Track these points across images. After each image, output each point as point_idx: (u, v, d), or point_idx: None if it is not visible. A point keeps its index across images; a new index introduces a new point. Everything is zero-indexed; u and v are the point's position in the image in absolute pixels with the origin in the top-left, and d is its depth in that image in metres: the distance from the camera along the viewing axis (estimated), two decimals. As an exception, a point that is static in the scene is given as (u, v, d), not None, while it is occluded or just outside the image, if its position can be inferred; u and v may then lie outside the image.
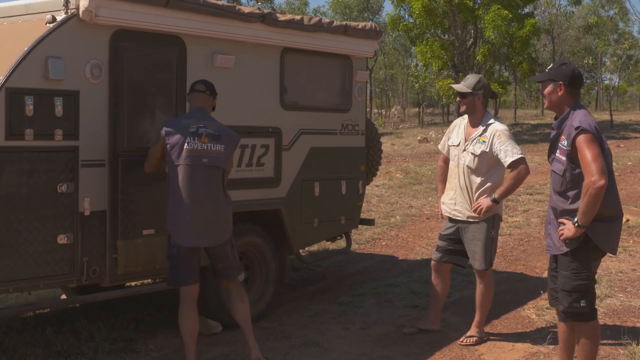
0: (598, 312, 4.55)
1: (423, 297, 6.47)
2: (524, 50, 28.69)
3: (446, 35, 30.25)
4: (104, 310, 6.03)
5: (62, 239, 4.61)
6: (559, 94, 4.20)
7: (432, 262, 5.64)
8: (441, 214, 5.62)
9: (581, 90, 4.40)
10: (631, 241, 8.77)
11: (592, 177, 3.93)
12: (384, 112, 54.92)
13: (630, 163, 17.27)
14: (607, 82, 55.90)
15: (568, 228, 4.08)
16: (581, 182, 4.02)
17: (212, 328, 5.53)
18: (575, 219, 4.03)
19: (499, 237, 5.88)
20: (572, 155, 4.08)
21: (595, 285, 4.46)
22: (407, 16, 31.20)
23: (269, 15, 5.74)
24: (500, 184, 5.29)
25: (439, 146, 5.76)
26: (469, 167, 5.32)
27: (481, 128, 5.32)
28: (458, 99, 5.44)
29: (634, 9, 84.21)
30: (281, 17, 5.86)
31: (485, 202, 5.23)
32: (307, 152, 6.17)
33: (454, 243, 5.49)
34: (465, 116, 5.50)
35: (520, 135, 28.00)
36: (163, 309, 6.07)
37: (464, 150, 5.35)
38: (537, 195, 12.43)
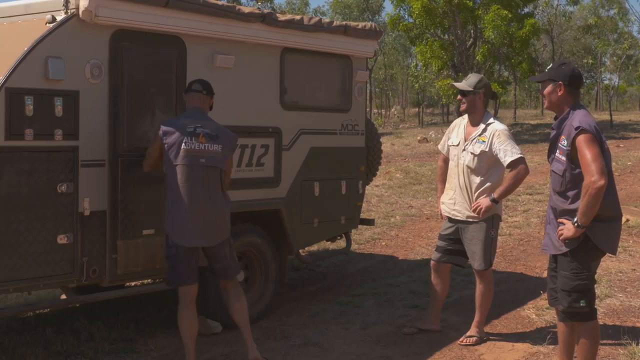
0: (598, 312, 4.55)
1: (423, 297, 6.47)
2: (523, 50, 28.70)
3: (446, 35, 30.26)
4: (104, 310, 6.03)
5: (62, 239, 4.61)
6: (559, 94, 4.20)
7: (432, 262, 5.64)
8: (441, 214, 5.62)
9: (581, 90, 4.40)
10: (631, 241, 8.77)
11: (592, 177, 3.93)
12: (383, 112, 54.96)
13: (630, 163, 17.28)
14: (606, 82, 55.95)
15: (568, 228, 4.08)
16: (581, 182, 4.03)
17: (212, 328, 5.53)
18: (575, 219, 4.03)
19: (499, 237, 5.89)
20: (572, 155, 4.08)
21: (595, 285, 4.46)
22: (406, 16, 31.22)
23: (269, 15, 5.74)
24: (500, 183, 5.29)
25: (439, 146, 5.76)
26: (468, 166, 5.32)
27: (481, 128, 5.32)
28: (459, 97, 5.44)
29: (633, 10, 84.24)
30: (281, 17, 5.86)
31: (484, 202, 5.23)
32: (307, 152, 6.17)
33: (453, 243, 5.49)
34: (465, 116, 5.50)
35: (520, 135, 28.00)
36: (163, 309, 6.07)
37: (464, 150, 5.36)
38: (537, 195, 12.43)
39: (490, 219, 5.34)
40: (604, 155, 4.04)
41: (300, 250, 6.60)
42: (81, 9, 4.61)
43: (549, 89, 4.24)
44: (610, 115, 33.83)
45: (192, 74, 5.17)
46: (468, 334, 5.42)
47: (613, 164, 4.17)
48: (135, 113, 4.98)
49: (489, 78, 27.62)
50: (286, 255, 6.26)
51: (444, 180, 5.60)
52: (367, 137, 6.77)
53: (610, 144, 21.85)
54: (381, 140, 7.21)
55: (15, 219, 4.41)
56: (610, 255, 4.44)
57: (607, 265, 7.46)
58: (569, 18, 50.94)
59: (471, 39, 30.31)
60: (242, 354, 4.99)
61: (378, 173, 8.35)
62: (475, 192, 5.31)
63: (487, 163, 5.27)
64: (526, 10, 30.66)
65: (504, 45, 28.43)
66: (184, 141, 4.57)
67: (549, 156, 4.34)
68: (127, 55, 4.90)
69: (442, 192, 5.60)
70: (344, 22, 6.47)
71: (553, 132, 4.28)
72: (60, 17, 4.64)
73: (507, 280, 7.21)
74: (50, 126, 4.53)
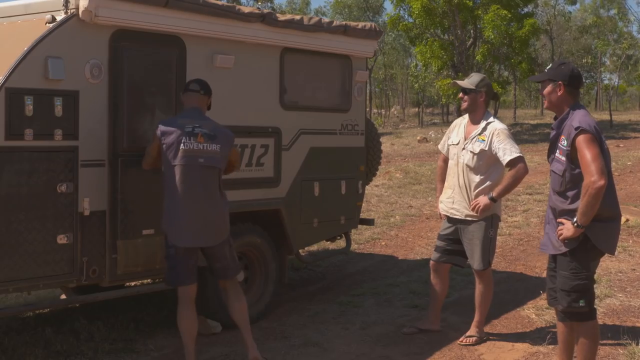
0: (598, 312, 4.55)
1: (423, 297, 6.47)
2: (523, 50, 28.72)
3: (446, 35, 30.27)
4: (103, 310, 6.03)
5: (61, 239, 4.61)
6: (559, 94, 4.20)
7: (431, 262, 5.65)
8: (440, 214, 5.63)
9: (581, 90, 4.40)
10: (631, 241, 8.77)
11: (592, 177, 3.93)
12: (383, 112, 54.98)
13: (629, 163, 17.28)
14: (606, 82, 55.96)
15: (567, 228, 4.08)
16: (580, 182, 4.03)
17: (211, 328, 5.53)
18: (575, 219, 4.04)
19: (499, 237, 5.90)
20: (572, 156, 4.08)
21: (595, 285, 4.46)
22: (406, 16, 31.23)
23: (269, 15, 5.74)
24: (499, 183, 5.29)
25: (439, 146, 5.76)
26: (467, 165, 5.32)
27: (481, 127, 5.33)
28: (461, 95, 5.45)
29: (632, 10, 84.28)
30: (281, 17, 5.86)
31: (483, 200, 5.23)
32: (307, 152, 6.17)
33: (452, 243, 5.49)
34: (466, 116, 5.51)
35: (519, 135, 28.01)
36: (163, 309, 6.07)
37: (463, 148, 5.36)
38: (537, 195, 12.43)
39: (490, 219, 5.34)
40: (604, 156, 4.04)
41: (300, 250, 6.60)
42: (81, 9, 4.61)
43: (548, 89, 4.24)
44: (610, 115, 33.84)
45: (192, 74, 5.16)
46: (468, 333, 5.43)
47: (613, 163, 4.18)
48: (135, 113, 4.98)
49: (489, 78, 27.60)
50: (286, 255, 6.26)
51: (443, 180, 5.60)
52: (367, 137, 6.77)
53: (610, 144, 21.85)
54: (381, 140, 7.21)
55: (15, 219, 4.41)
56: (608, 255, 4.44)
57: (607, 265, 7.46)
58: (568, 18, 50.95)
59: (471, 39, 30.34)
60: (242, 354, 4.99)
61: (378, 173, 8.35)
62: (474, 191, 5.31)
63: (486, 162, 5.28)
64: (526, 10, 30.66)
65: (504, 45, 28.44)
66: (182, 141, 4.57)
67: (548, 156, 4.34)
68: (127, 55, 4.90)
69: (442, 192, 5.60)
70: (343, 22, 6.47)
71: (553, 132, 4.28)
72: (60, 17, 4.64)
73: (507, 280, 7.21)
74: (50, 126, 4.53)
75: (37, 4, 4.91)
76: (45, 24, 4.62)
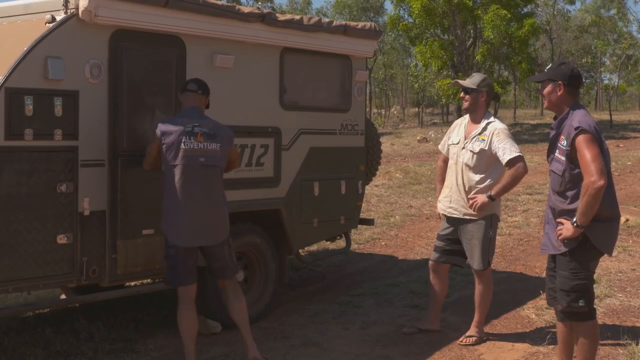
0: (597, 312, 4.55)
1: (422, 297, 6.47)
2: (523, 50, 28.73)
3: (445, 35, 30.28)
4: (103, 310, 6.03)
5: (61, 239, 4.61)
6: (558, 93, 4.20)
7: (430, 262, 5.65)
8: (438, 214, 5.63)
9: (580, 90, 4.40)
10: (631, 241, 8.77)
11: (592, 177, 3.93)
12: (383, 112, 54.99)
13: (629, 163, 17.28)
14: (606, 82, 55.96)
15: (567, 228, 4.08)
16: (580, 182, 4.03)
17: (211, 328, 5.53)
18: (574, 219, 4.04)
19: (498, 237, 5.90)
20: (572, 155, 4.08)
21: (595, 285, 4.47)
22: (406, 16, 31.25)
23: (269, 15, 5.74)
24: (498, 182, 5.29)
25: (439, 146, 5.77)
26: (467, 164, 5.33)
27: (481, 126, 5.33)
28: (462, 94, 5.46)
29: (631, 11, 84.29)
30: (281, 17, 5.86)
31: (481, 197, 5.23)
32: (307, 152, 6.17)
33: (451, 243, 5.50)
34: (466, 116, 5.52)
35: (519, 135, 28.01)
36: (163, 309, 6.07)
37: (463, 148, 5.36)
38: (537, 195, 12.43)
39: (489, 219, 5.34)
40: (604, 156, 4.04)
41: (300, 250, 6.60)
42: (81, 8, 4.61)
43: (548, 88, 4.24)
44: (610, 115, 33.85)
45: (192, 74, 5.16)
46: (468, 333, 5.43)
47: (613, 163, 4.18)
48: (135, 113, 4.98)
49: (489, 78, 27.63)
50: (286, 255, 6.26)
51: (443, 181, 5.60)
52: (366, 137, 6.77)
53: (610, 144, 21.85)
54: (381, 140, 7.21)
55: (15, 219, 4.41)
56: (606, 255, 4.44)
57: (606, 265, 7.46)
58: (568, 18, 50.95)
59: (471, 39, 30.34)
60: (242, 353, 4.99)
61: (378, 173, 8.35)
62: (473, 191, 5.31)
63: (486, 161, 5.28)
64: (527, 9, 30.68)
65: (504, 45, 28.46)
66: (182, 141, 4.57)
67: (548, 156, 4.34)
68: (127, 55, 4.90)
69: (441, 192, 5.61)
70: (343, 22, 6.47)
71: (552, 132, 4.28)
72: (59, 17, 4.64)
73: (507, 280, 7.21)
74: (50, 126, 4.53)
75: (37, 4, 4.91)
76: (45, 24, 4.62)
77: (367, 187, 7.24)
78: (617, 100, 58.08)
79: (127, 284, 5.82)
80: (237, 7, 5.64)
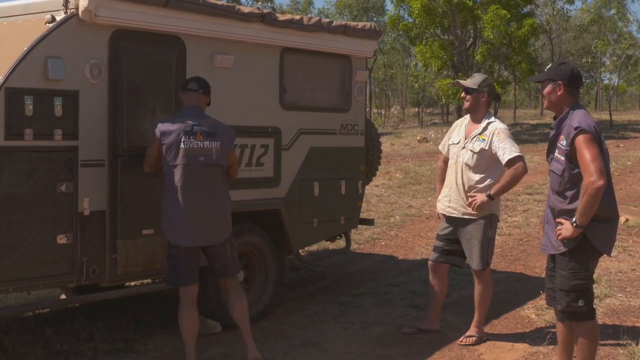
0: (597, 312, 4.55)
1: (422, 297, 6.47)
2: (523, 50, 28.74)
3: (446, 35, 30.29)
4: (103, 310, 6.03)
5: (61, 239, 4.61)
6: (558, 93, 4.20)
7: (429, 263, 5.65)
8: (438, 213, 5.63)
9: (580, 90, 4.40)
10: (630, 241, 8.77)
11: (591, 177, 3.93)
12: (383, 112, 54.99)
13: (629, 163, 17.28)
14: (606, 82, 55.96)
15: (566, 228, 4.08)
16: (580, 182, 4.03)
17: (211, 328, 5.53)
18: (574, 219, 4.04)
19: (498, 237, 5.90)
20: (571, 155, 4.08)
21: (595, 285, 4.47)
22: (406, 16, 31.26)
23: (269, 15, 5.74)
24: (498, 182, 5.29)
25: (440, 146, 5.77)
26: (467, 164, 5.33)
27: (481, 126, 5.33)
28: (463, 94, 5.46)
29: (630, 10, 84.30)
30: (281, 17, 5.86)
31: (480, 196, 5.23)
32: (307, 152, 6.17)
33: (451, 243, 5.50)
34: (467, 116, 5.52)
35: (519, 135, 28.02)
36: (163, 309, 6.07)
37: (464, 147, 5.36)
38: (537, 195, 12.44)
39: (488, 219, 5.34)
40: (603, 156, 4.04)
41: (300, 250, 6.60)
42: (81, 8, 4.61)
43: (548, 88, 4.24)
44: (610, 115, 33.87)
45: (192, 74, 5.16)
46: (467, 333, 5.43)
47: (612, 163, 4.18)
48: (135, 113, 4.98)
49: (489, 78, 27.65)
50: (286, 255, 6.26)
51: (442, 181, 5.60)
52: (366, 137, 6.77)
53: (610, 144, 21.88)
54: (381, 140, 7.21)
55: (15, 219, 4.41)
56: (605, 255, 4.44)
57: (606, 265, 7.46)
58: (567, 18, 50.94)
59: (471, 39, 30.35)
60: (242, 353, 4.99)
61: (378, 173, 8.35)
62: (472, 191, 5.31)
63: (486, 161, 5.28)
64: (527, 9, 30.68)
65: (503, 45, 28.47)
66: (182, 140, 4.56)
67: (548, 156, 4.34)
68: (127, 55, 4.90)
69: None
70: (343, 22, 6.47)
71: (552, 132, 4.28)
72: (59, 17, 4.64)
73: (507, 280, 7.21)
74: (50, 126, 4.53)
75: (37, 4, 4.91)
76: (45, 24, 4.62)
77: (367, 187, 7.25)
78: (617, 100, 58.09)
79: (127, 284, 5.82)
80: (237, 7, 5.64)
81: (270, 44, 5.82)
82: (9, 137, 4.34)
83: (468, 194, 5.29)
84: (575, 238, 4.07)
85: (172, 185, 4.57)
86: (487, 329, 5.62)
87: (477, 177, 5.30)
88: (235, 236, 4.97)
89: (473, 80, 5.43)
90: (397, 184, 14.25)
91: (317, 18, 6.27)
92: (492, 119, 5.39)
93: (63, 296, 5.94)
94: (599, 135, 4.08)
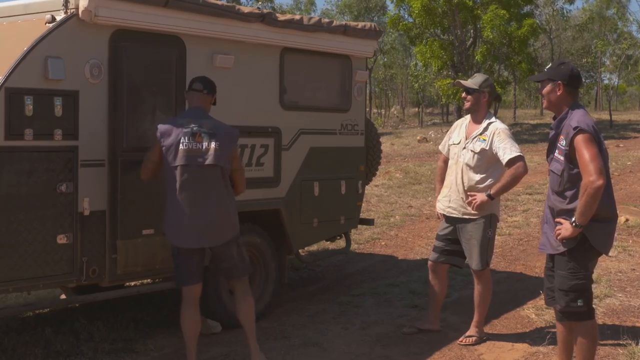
0: (597, 312, 4.55)
1: (422, 297, 6.47)
2: (522, 50, 28.74)
3: (446, 35, 30.29)
4: (103, 310, 6.03)
5: (61, 239, 4.61)
6: (558, 93, 4.20)
7: (429, 263, 5.65)
8: (437, 213, 5.63)
9: (580, 90, 4.40)
10: (630, 241, 8.77)
11: (590, 177, 3.93)
12: (383, 112, 54.98)
13: (629, 163, 17.28)
14: (606, 81, 55.93)
15: (565, 228, 4.08)
16: (579, 182, 4.03)
17: (212, 328, 5.53)
18: (573, 219, 4.04)
19: (499, 237, 5.90)
20: (571, 155, 4.08)
21: (595, 285, 4.47)
22: (406, 16, 31.26)
23: (269, 15, 5.74)
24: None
25: (440, 147, 5.77)
26: (467, 164, 5.33)
27: (482, 126, 5.34)
28: (464, 94, 5.46)
29: (629, 10, 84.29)
30: (281, 17, 5.87)
31: (480, 196, 5.23)
32: (307, 152, 6.17)
33: (450, 243, 5.50)
34: (467, 117, 5.52)
35: (519, 135, 28.01)
36: (163, 309, 6.07)
37: (464, 147, 5.36)
38: (537, 195, 12.44)
39: (488, 219, 5.34)
40: (602, 156, 4.05)
41: (300, 250, 6.60)
42: (81, 8, 4.61)
43: (548, 88, 4.24)
44: (610, 115, 33.86)
45: (192, 74, 5.15)
46: (467, 333, 5.43)
47: (612, 163, 4.18)
48: (135, 113, 4.98)
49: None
50: (286, 255, 6.26)
51: (442, 181, 5.60)
52: (366, 137, 6.78)
53: (610, 144, 21.89)
54: (381, 140, 7.21)
55: (15, 219, 4.41)
56: (604, 255, 4.44)
57: (606, 265, 7.47)
58: (567, 18, 50.94)
59: (471, 39, 30.34)
60: (242, 354, 4.99)
61: (378, 173, 8.35)
62: (472, 190, 5.31)
63: (486, 161, 5.28)
64: (526, 9, 30.68)
65: (503, 45, 28.47)
66: (181, 142, 4.54)
67: (547, 156, 4.34)
68: (127, 55, 4.90)
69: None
70: (343, 22, 6.47)
71: (552, 132, 4.28)
72: (59, 17, 4.64)
73: (507, 280, 7.21)
74: (50, 126, 4.53)
75: (37, 4, 4.91)
76: (45, 24, 4.63)
77: (367, 187, 7.25)
78: (617, 100, 58.06)
79: (127, 284, 5.82)
80: (237, 7, 5.65)
81: (270, 44, 5.82)
82: (9, 137, 4.34)
83: (468, 194, 5.29)
84: (574, 238, 4.07)
85: (172, 186, 4.56)
86: (487, 329, 5.62)
87: (477, 177, 5.30)
88: (235, 236, 4.96)
89: (474, 81, 5.43)
90: (397, 184, 14.25)
91: (317, 18, 6.28)
92: (493, 119, 5.39)
93: (63, 296, 5.94)
94: (598, 135, 4.08)
